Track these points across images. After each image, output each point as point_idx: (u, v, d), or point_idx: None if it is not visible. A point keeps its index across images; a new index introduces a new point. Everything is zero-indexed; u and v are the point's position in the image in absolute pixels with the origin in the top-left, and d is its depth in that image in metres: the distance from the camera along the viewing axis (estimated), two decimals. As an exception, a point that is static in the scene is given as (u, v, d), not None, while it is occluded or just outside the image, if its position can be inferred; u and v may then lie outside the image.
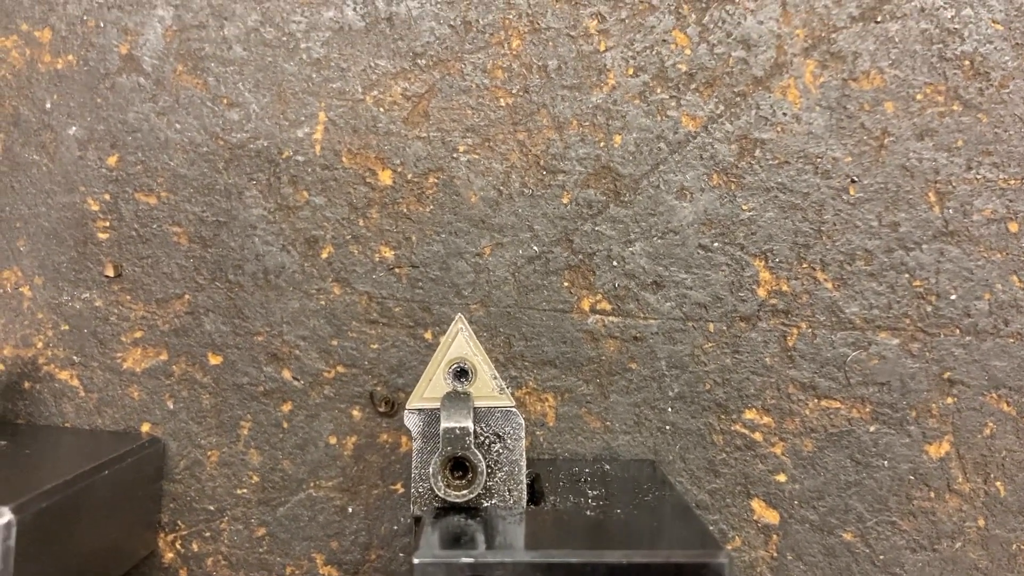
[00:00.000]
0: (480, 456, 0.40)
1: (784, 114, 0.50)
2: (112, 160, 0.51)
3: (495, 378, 0.44)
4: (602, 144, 0.51)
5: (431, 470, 0.40)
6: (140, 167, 0.51)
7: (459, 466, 0.41)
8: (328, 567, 0.51)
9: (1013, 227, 0.50)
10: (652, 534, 0.38)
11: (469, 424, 0.40)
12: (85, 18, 0.51)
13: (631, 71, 0.50)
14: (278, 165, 0.51)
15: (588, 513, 0.41)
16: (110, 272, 0.52)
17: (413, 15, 0.51)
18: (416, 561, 0.34)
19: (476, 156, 0.51)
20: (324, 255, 0.51)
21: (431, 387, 0.44)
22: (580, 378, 0.51)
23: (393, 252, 0.51)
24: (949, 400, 0.50)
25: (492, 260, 0.51)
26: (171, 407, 0.52)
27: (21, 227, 0.52)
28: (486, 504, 0.42)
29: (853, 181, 0.50)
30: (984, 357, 0.50)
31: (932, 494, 0.50)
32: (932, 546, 0.50)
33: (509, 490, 0.42)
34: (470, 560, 0.35)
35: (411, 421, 0.43)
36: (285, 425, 0.51)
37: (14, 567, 0.36)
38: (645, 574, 0.35)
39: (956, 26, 0.50)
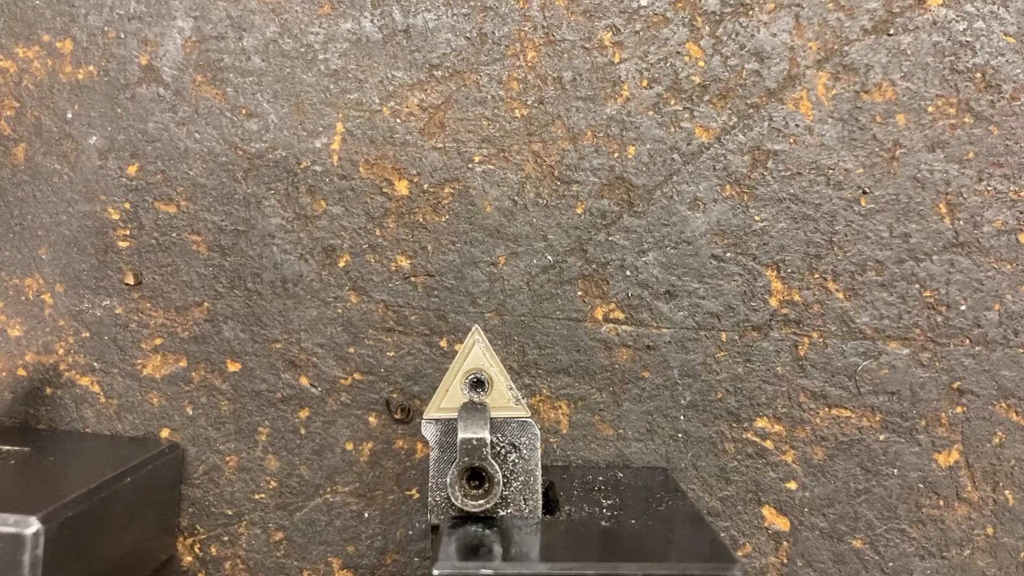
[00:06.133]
0: (496, 466, 0.41)
1: (797, 126, 0.51)
2: (132, 169, 0.52)
3: (511, 389, 0.44)
4: (616, 155, 0.51)
5: (448, 480, 0.41)
6: (160, 176, 0.52)
7: (476, 476, 0.42)
8: (344, 571, 0.52)
9: (1023, 238, 0.50)
10: (665, 545, 0.39)
11: (486, 435, 0.41)
12: (106, 29, 0.52)
13: (645, 83, 0.51)
14: (296, 175, 0.52)
15: (602, 523, 0.41)
16: (130, 280, 0.52)
17: (430, 27, 0.51)
18: (436, 573, 0.35)
19: (491, 167, 0.51)
20: (341, 264, 0.52)
21: (448, 397, 0.44)
22: (593, 386, 0.52)
23: (409, 261, 0.52)
24: (958, 409, 0.51)
25: (507, 269, 0.52)
26: (190, 413, 0.52)
27: (43, 235, 0.53)
28: (502, 513, 0.42)
29: (865, 192, 0.51)
30: (993, 367, 0.51)
31: (941, 502, 0.51)
32: (941, 553, 0.51)
33: (525, 499, 0.43)
34: (488, 572, 0.35)
35: (428, 431, 0.44)
36: (302, 431, 0.52)
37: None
38: (659, 586, 0.35)
39: (968, 39, 0.50)
